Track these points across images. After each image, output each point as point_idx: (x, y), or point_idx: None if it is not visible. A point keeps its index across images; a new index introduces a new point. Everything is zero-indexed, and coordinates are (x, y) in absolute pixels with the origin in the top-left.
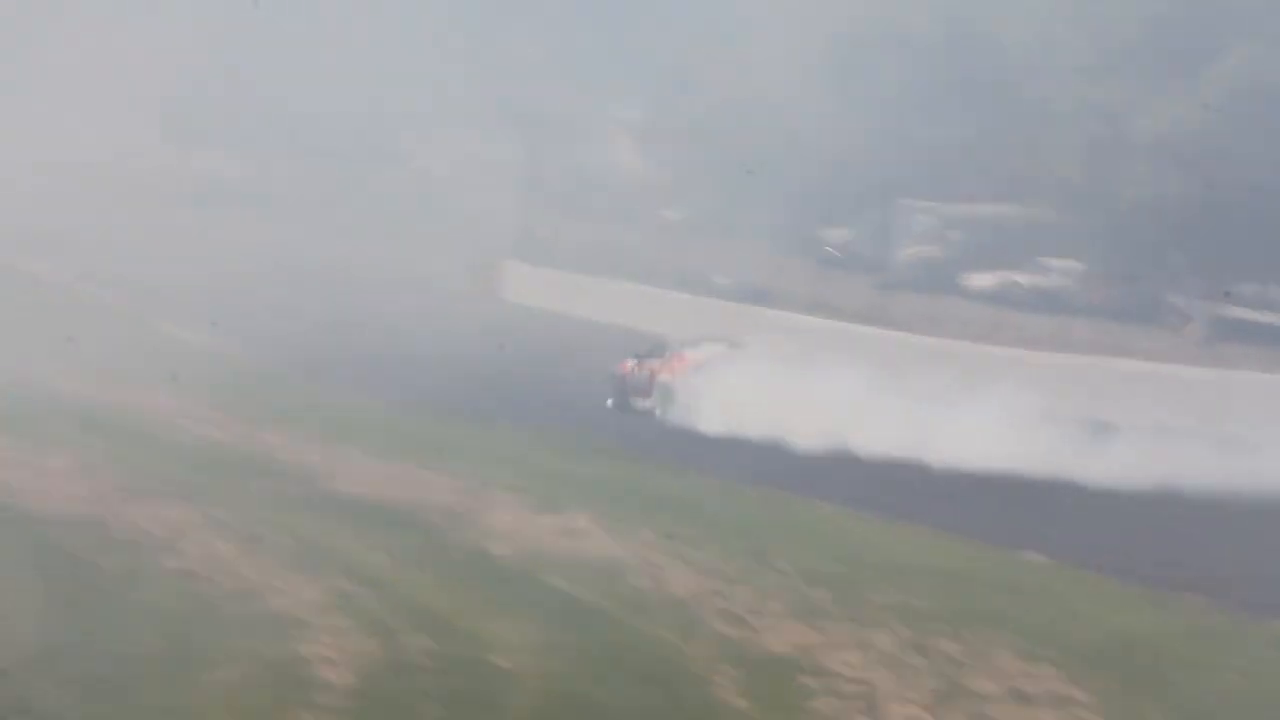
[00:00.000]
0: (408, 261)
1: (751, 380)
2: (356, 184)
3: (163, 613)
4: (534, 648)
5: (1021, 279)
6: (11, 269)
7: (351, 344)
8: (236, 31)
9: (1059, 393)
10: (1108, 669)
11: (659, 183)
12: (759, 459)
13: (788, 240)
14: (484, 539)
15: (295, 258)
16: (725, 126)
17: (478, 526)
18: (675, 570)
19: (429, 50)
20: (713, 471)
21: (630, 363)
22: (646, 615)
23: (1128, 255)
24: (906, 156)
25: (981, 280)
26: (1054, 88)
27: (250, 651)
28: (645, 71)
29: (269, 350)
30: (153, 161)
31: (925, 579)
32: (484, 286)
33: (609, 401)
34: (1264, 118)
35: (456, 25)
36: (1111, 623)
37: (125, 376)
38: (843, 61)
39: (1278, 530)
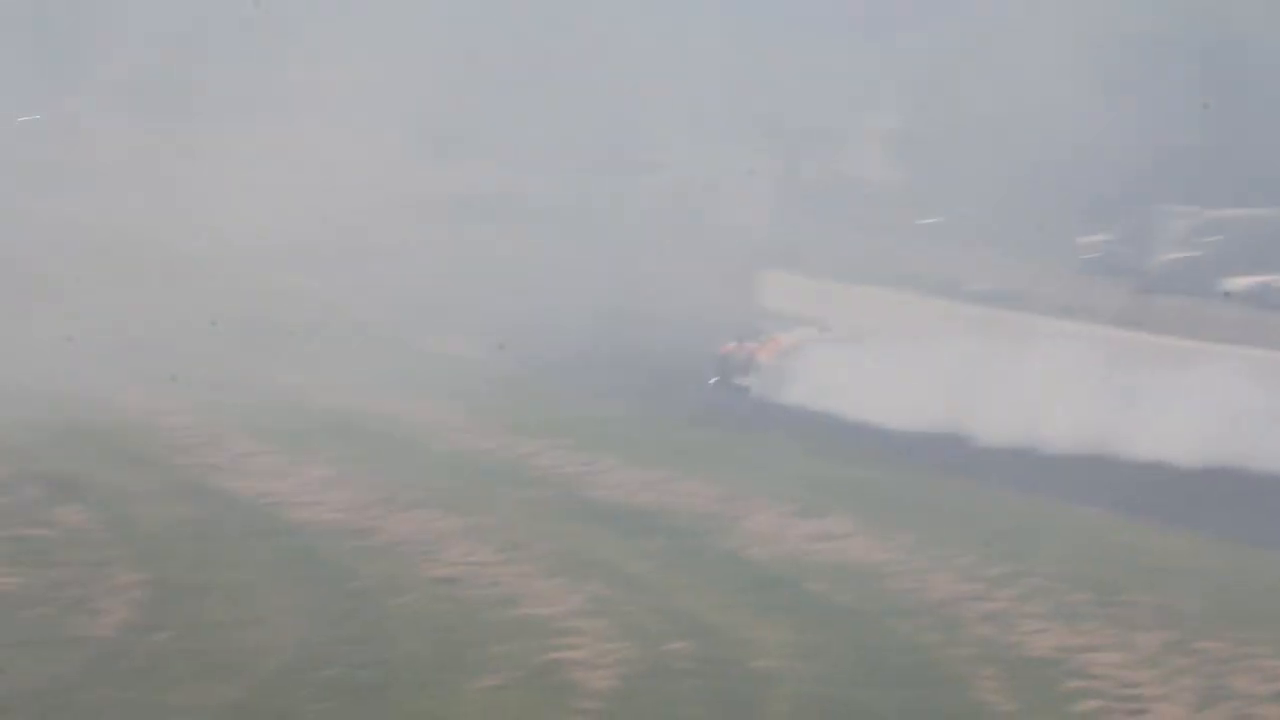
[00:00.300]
0: (668, 270)
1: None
2: (617, 195)
3: (424, 619)
4: (793, 651)
5: None
6: (277, 285)
7: (609, 354)
8: (498, 46)
9: None
10: None
11: (915, 189)
12: (1009, 465)
13: (1044, 246)
14: (743, 544)
15: (554, 268)
16: (981, 133)
17: (736, 531)
18: (936, 574)
19: (689, 62)
20: (969, 477)
21: (732, 344)
22: (906, 618)
23: None
24: (1165, 161)
25: (1240, 283)
26: None
27: (512, 657)
28: (901, 79)
29: (528, 360)
30: (415, 175)
31: (1186, 581)
32: (744, 295)
33: (712, 379)
34: None
35: (716, 36)
36: None
37: (387, 388)
38: (1100, 67)
39: None
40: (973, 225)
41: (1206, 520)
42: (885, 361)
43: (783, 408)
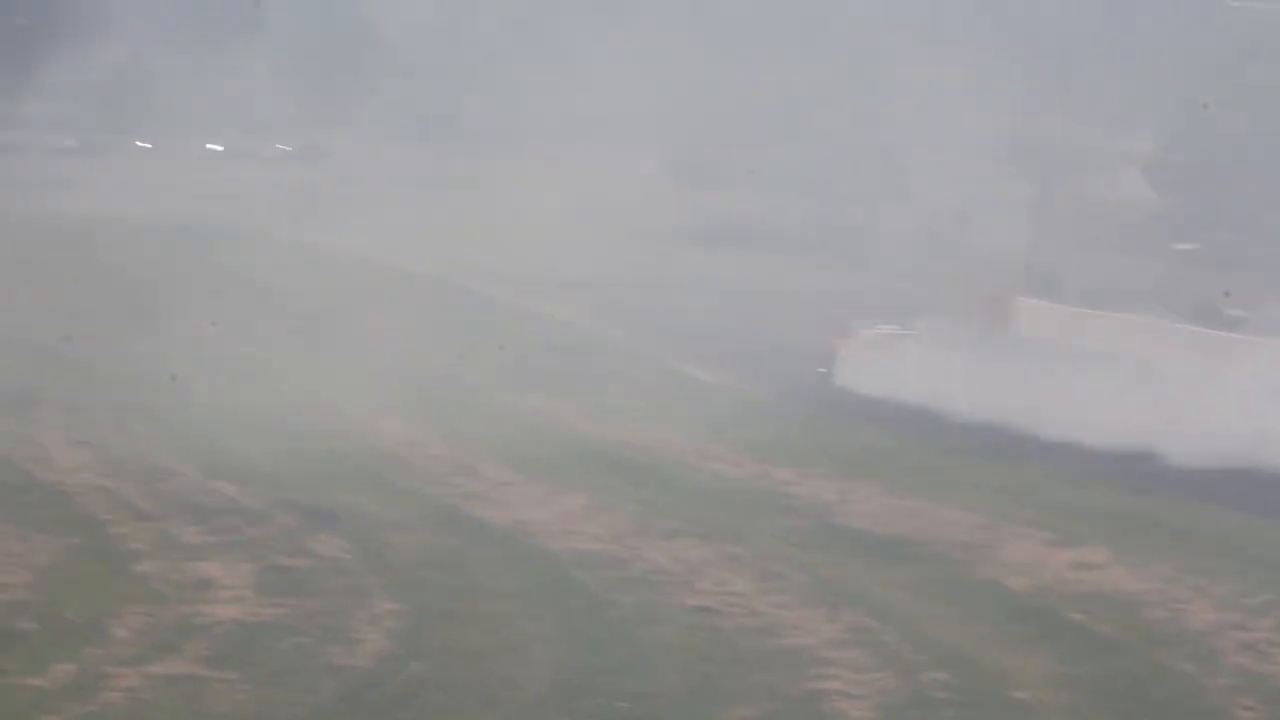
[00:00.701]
0: (921, 296)
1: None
2: (870, 222)
3: (681, 649)
4: (1052, 681)
5: None
6: (535, 313)
7: None
8: (754, 75)
9: None
10: None
11: (1170, 214)
12: (1261, 493)
13: None
14: (1000, 573)
15: (809, 296)
16: (1239, 157)
17: (994, 560)
18: (1193, 603)
19: (942, 88)
20: (1219, 505)
21: (838, 339)
22: (1165, 648)
23: None
24: None
25: None
26: None
27: (769, 688)
28: (1155, 103)
29: (780, 387)
30: (671, 204)
31: None
32: (995, 321)
33: (820, 369)
34: None
35: (968, 62)
36: None
37: (644, 416)
38: None
39: None
40: (1231, 251)
41: None
42: (1123, 383)
43: (1037, 438)
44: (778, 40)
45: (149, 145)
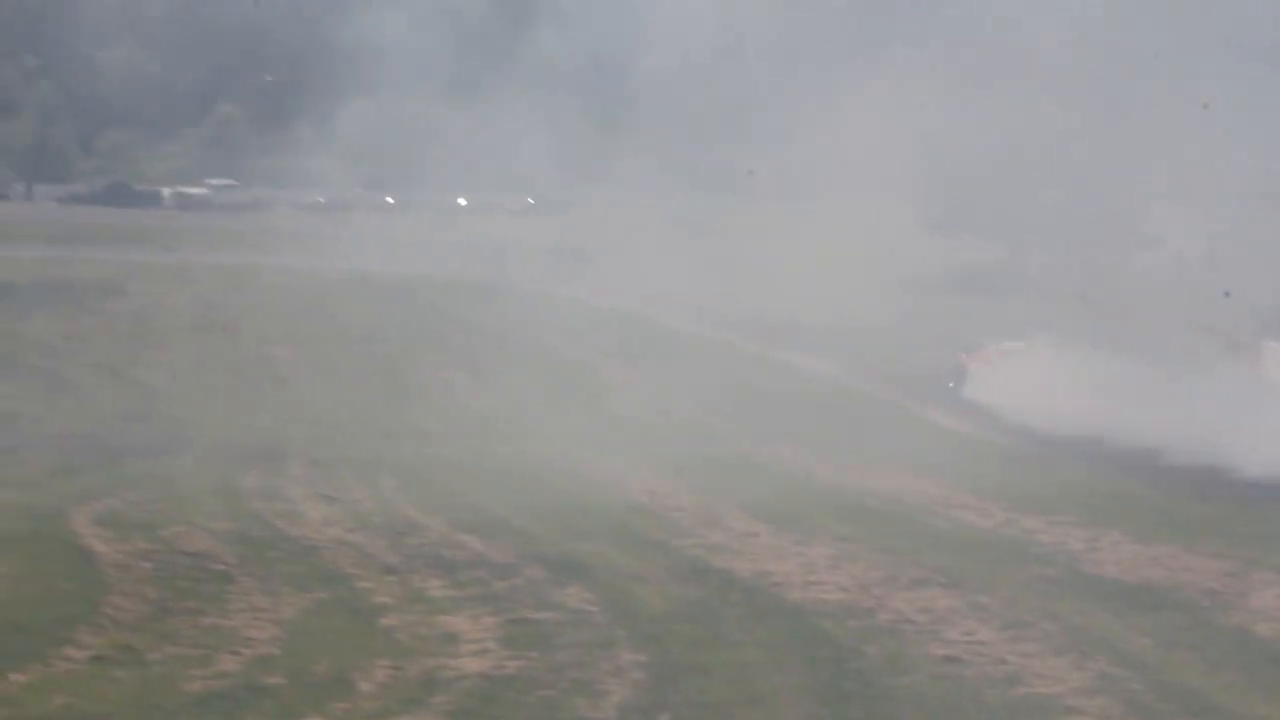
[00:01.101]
0: (1165, 343)
1: None
2: (1114, 267)
3: (928, 699)
4: None
5: None
6: (780, 362)
7: None
8: (997, 122)
9: None
10: None
11: None
12: None
13: None
14: (1249, 620)
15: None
16: None
17: (1243, 607)
18: None
19: (1190, 132)
20: None
21: (963, 354)
22: None
23: None
24: None
25: None
26: None
27: None
28: None
29: (1025, 435)
30: (916, 251)
31: None
32: (1251, 367)
33: (950, 383)
34: None
35: (1217, 106)
36: None
37: (888, 464)
38: None
39: None
40: None
41: None
42: None
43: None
44: (1028, 84)
45: (393, 200)
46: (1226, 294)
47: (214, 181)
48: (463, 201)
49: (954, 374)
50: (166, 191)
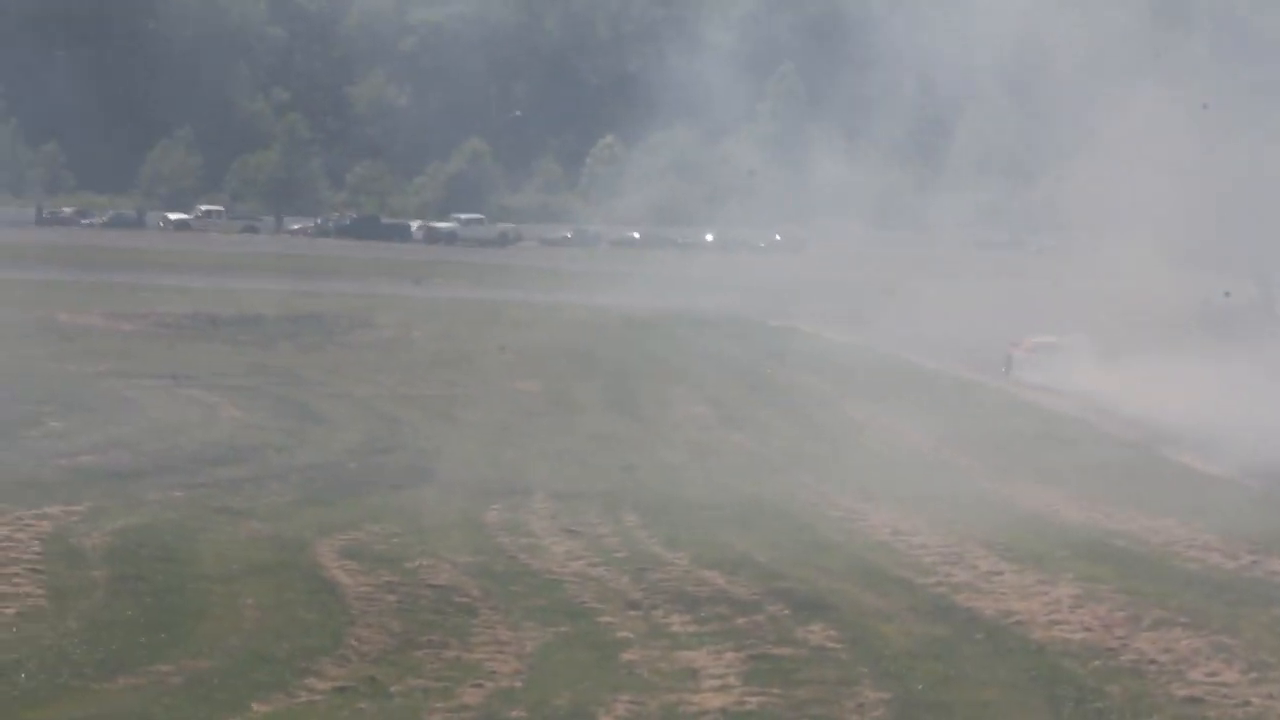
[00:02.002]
0: None
1: None
2: None
3: None
4: None
5: None
6: (1023, 400)
7: None
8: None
9: None
10: None
11: None
12: None
13: None
14: None
15: None
16: None
17: None
18: None
19: None
20: None
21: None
22: None
23: None
24: None
25: None
26: None
27: None
28: None
29: (1273, 478)
30: (1163, 287)
31: None
32: None
33: (1003, 369)
34: None
35: None
36: None
37: (1132, 504)
38: None
39: None
40: None
41: None
42: None
43: None
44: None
45: (639, 236)
46: (1226, 294)
47: (461, 216)
48: (710, 237)
49: (1005, 362)
50: (415, 225)
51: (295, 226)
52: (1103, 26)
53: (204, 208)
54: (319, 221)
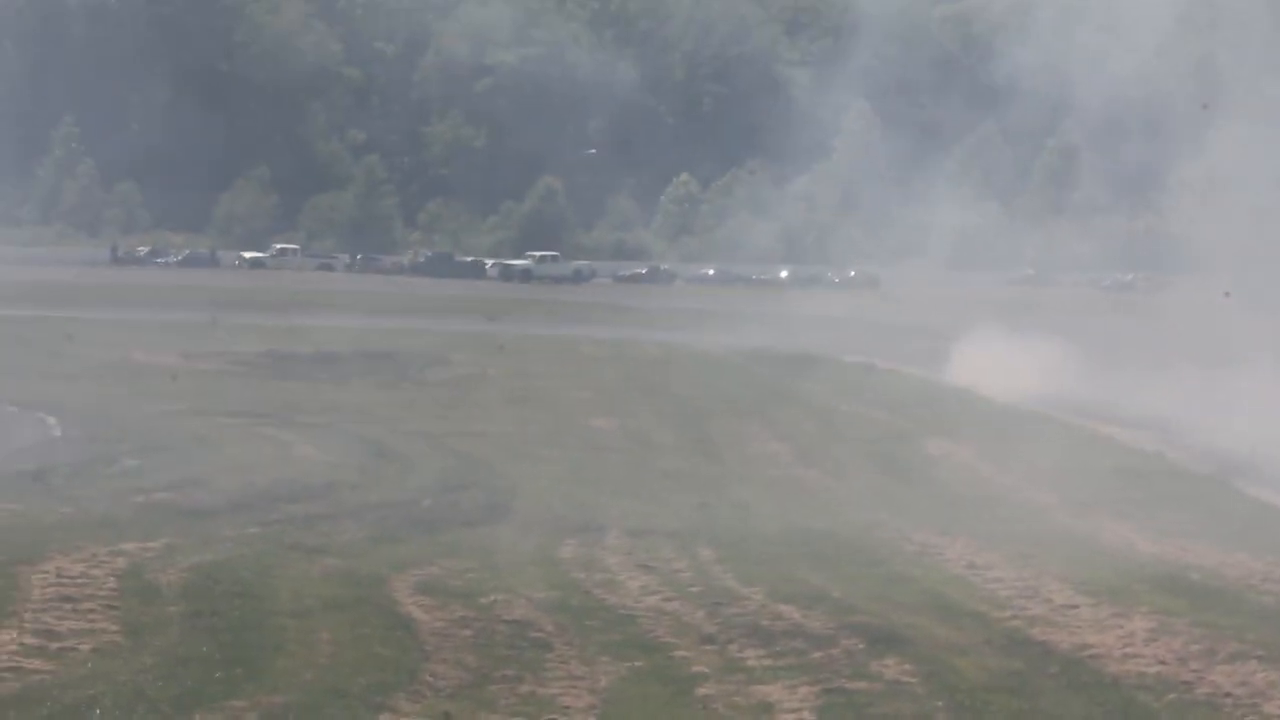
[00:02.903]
0: None
1: None
2: None
3: None
4: None
5: None
6: (1101, 435)
7: None
8: None
9: None
10: None
11: None
12: None
13: None
14: None
15: None
16: None
17: None
18: None
19: None
20: None
21: None
22: None
23: None
24: None
25: None
26: None
27: None
28: None
29: None
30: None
31: None
32: None
33: None
34: None
35: None
36: None
37: (1209, 538)
38: None
39: None
40: None
41: None
42: None
43: None
44: None
45: (713, 273)
46: (1226, 294)
47: (536, 253)
48: (784, 274)
49: None
50: (489, 262)
51: (372, 265)
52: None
53: (279, 246)
54: (395, 259)
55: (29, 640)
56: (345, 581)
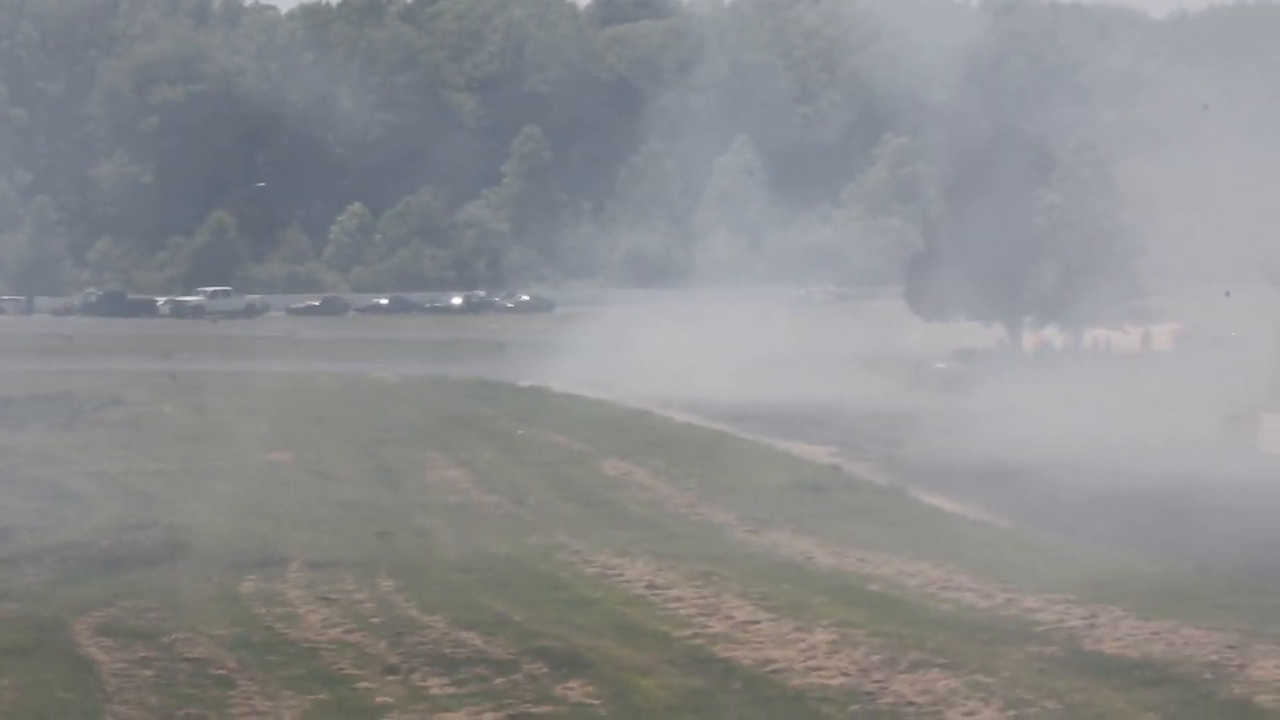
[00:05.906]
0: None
1: None
2: None
3: None
4: None
5: None
6: (773, 450)
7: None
8: None
9: None
10: None
11: None
12: None
13: None
14: (1250, 691)
15: None
16: None
17: (1244, 679)
18: None
19: None
20: None
21: None
22: None
23: None
24: None
25: None
26: None
27: None
28: None
29: (1024, 517)
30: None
31: None
32: (1240, 440)
33: None
34: None
35: None
36: None
37: (885, 549)
38: None
39: None
40: None
41: None
42: None
43: None
44: None
45: (386, 301)
46: (1226, 294)
47: (208, 289)
48: (457, 300)
49: None
50: (161, 300)
51: (43, 305)
52: None
53: None
54: (79, 298)
55: None
56: (25, 626)
